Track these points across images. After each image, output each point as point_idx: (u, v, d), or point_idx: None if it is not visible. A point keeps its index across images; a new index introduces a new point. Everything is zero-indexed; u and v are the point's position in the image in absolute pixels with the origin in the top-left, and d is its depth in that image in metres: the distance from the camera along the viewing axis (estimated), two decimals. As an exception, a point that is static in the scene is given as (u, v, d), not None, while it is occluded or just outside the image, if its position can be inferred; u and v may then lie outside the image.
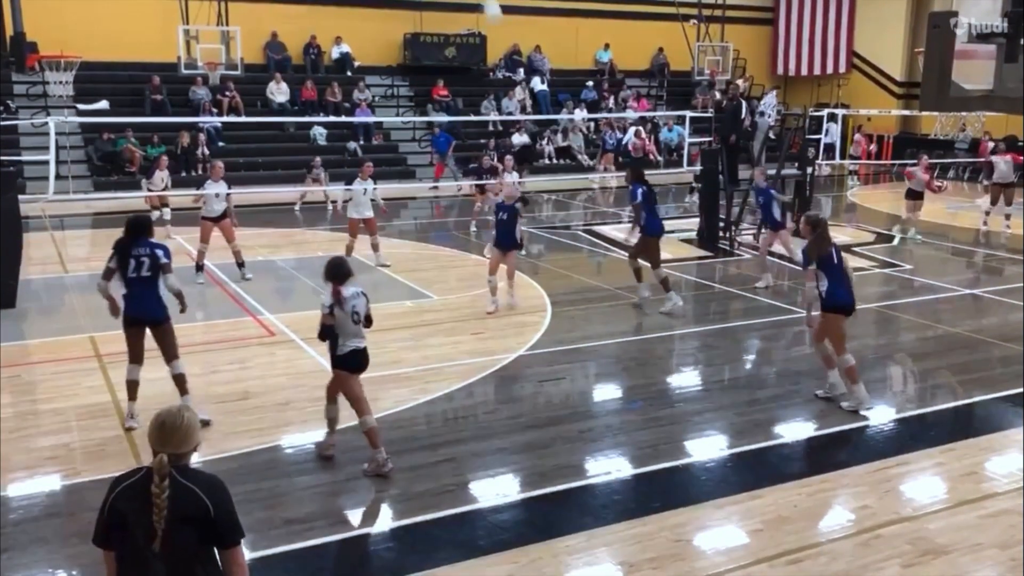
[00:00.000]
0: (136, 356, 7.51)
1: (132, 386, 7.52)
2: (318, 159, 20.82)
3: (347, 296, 6.57)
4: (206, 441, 7.17)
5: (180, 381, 7.60)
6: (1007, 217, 17.66)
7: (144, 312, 7.39)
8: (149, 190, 16.64)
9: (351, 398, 6.78)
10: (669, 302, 11.36)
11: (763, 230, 13.86)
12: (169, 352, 7.55)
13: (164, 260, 7.37)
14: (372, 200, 13.51)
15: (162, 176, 16.61)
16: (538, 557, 5.66)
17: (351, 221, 13.49)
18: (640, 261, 11.70)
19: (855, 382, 8.10)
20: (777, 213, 12.88)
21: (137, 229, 7.46)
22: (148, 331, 7.52)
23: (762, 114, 18.16)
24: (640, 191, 11.31)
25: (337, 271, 6.66)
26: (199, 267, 12.62)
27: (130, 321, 7.44)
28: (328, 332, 6.66)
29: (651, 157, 26.94)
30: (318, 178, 20.11)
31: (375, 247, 13.61)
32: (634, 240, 11.75)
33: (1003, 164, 17.66)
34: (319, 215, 19.00)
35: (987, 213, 17.96)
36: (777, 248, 13.38)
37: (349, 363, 6.70)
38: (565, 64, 29.44)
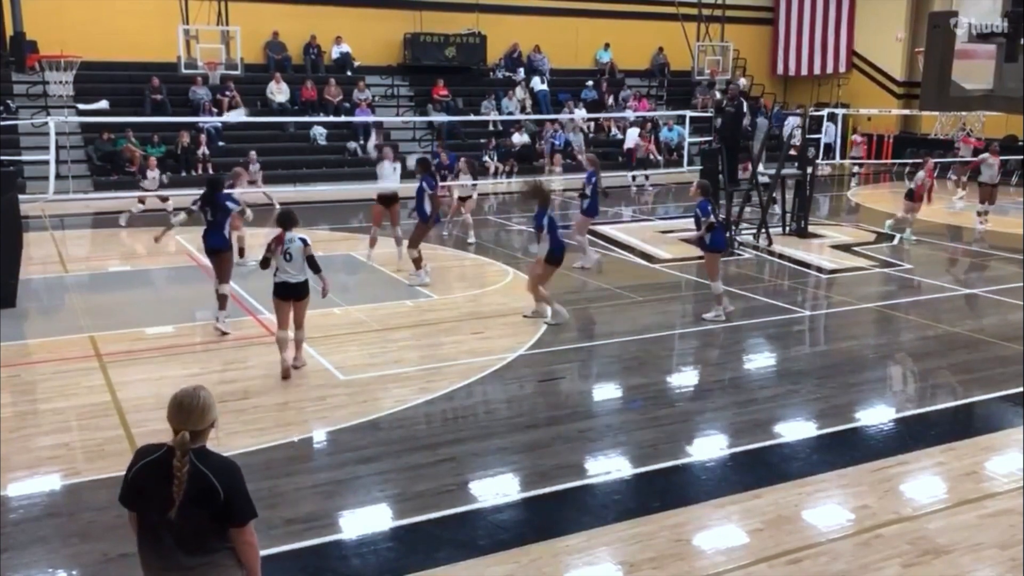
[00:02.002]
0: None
1: (222, 299, 10.22)
2: (252, 153, 19.45)
3: (286, 239, 8.63)
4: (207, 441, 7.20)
5: (223, 299, 10.24)
6: (983, 214, 18.19)
7: (214, 244, 10.21)
8: (144, 189, 16.99)
9: (285, 320, 8.78)
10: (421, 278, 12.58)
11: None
12: (222, 276, 10.23)
13: (232, 208, 10.33)
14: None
15: (154, 175, 16.94)
16: (538, 557, 5.66)
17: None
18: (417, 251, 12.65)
19: (548, 303, 10.71)
20: (586, 203, 13.94)
21: (215, 185, 10.50)
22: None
23: (764, 116, 18.12)
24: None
25: (282, 219, 8.84)
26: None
27: (206, 251, 10.41)
28: (266, 263, 8.72)
29: (651, 157, 26.95)
30: (255, 178, 18.18)
31: (398, 241, 13.83)
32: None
33: (990, 165, 18.32)
34: (318, 215, 18.97)
35: (980, 213, 18.37)
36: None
37: (277, 291, 8.77)
38: (565, 64, 29.45)
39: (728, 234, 15.85)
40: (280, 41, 25.71)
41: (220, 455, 3.81)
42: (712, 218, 11.10)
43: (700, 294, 12.79)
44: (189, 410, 3.67)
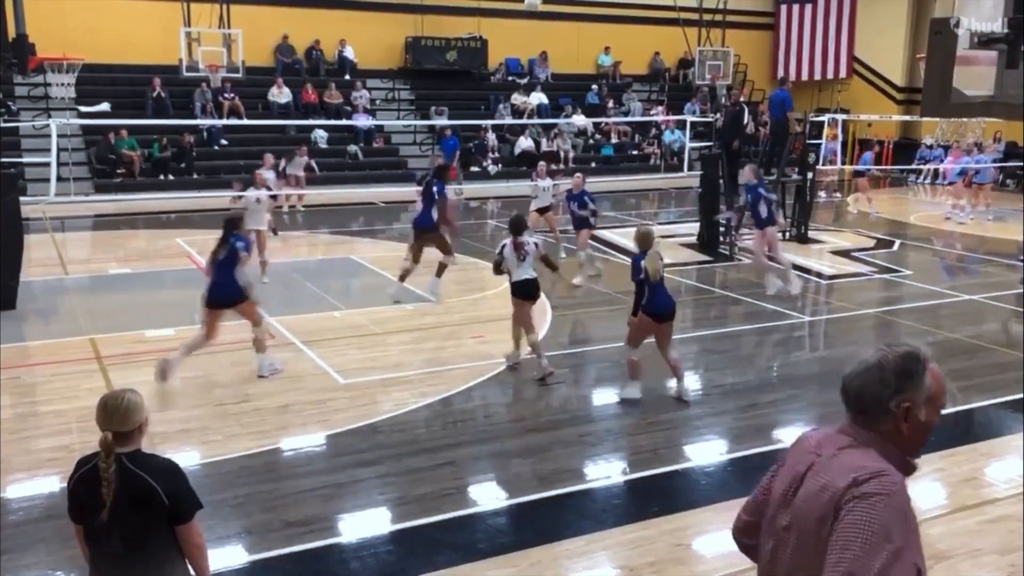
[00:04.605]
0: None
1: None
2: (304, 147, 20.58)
3: (521, 242, 8.91)
4: (206, 444, 7.21)
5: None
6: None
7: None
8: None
9: (520, 322, 9.03)
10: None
11: (749, 229, 13.84)
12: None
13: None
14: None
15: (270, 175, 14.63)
16: (538, 561, 5.66)
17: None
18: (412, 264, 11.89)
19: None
20: (764, 211, 12.78)
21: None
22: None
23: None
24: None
25: (515, 225, 9.10)
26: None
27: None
28: (498, 268, 9.06)
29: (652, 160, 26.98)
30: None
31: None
32: None
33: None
34: (318, 218, 19.01)
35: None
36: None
37: (519, 291, 8.94)
38: (566, 68, 29.46)
39: (728, 238, 15.91)
40: (290, 44, 25.73)
41: (159, 456, 3.81)
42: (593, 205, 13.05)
43: (699, 299, 12.82)
44: (112, 411, 3.67)
